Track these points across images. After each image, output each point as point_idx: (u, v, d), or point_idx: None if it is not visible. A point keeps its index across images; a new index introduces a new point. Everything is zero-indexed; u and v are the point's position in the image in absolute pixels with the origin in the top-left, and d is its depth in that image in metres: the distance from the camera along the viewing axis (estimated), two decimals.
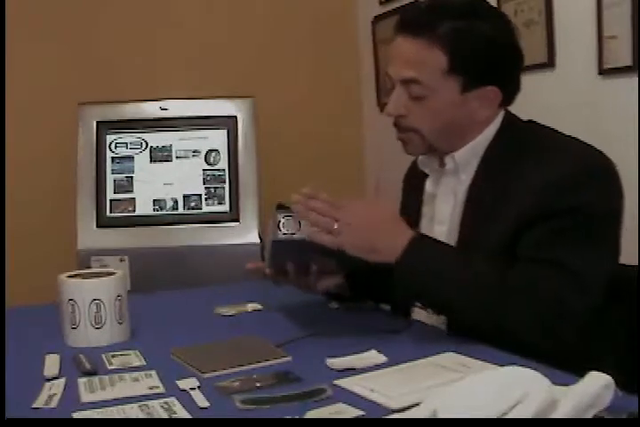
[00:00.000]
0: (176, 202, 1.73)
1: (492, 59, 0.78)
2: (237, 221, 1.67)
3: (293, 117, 2.11)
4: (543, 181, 0.74)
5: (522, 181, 0.76)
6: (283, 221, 0.74)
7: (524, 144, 0.80)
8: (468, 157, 0.83)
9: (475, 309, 0.71)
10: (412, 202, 0.94)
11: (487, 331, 0.71)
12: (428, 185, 0.90)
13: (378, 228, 0.74)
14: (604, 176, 0.75)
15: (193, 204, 1.73)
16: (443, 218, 0.87)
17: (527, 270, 0.72)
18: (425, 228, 0.90)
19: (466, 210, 0.82)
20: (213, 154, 1.75)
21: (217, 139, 1.75)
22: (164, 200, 1.73)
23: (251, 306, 0.96)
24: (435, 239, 0.79)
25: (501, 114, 0.84)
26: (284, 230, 0.73)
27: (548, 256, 0.72)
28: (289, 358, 0.71)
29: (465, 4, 0.77)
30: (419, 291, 0.74)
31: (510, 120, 0.84)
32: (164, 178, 1.74)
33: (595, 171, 0.75)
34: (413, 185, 0.95)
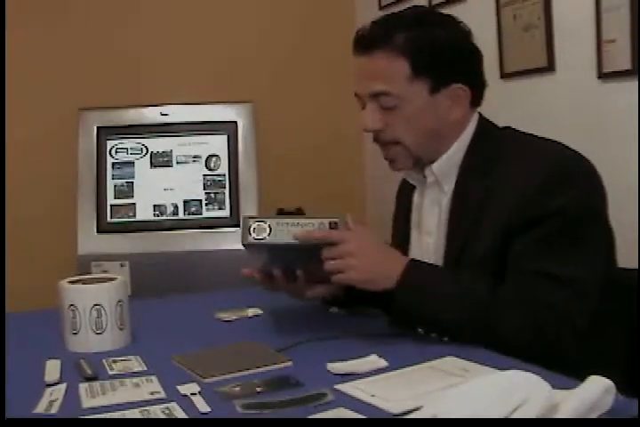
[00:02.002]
0: (176, 207, 1.74)
1: (452, 58, 0.79)
2: (238, 226, 1.67)
3: (294, 123, 2.11)
4: (523, 187, 0.75)
5: (502, 188, 0.77)
6: (254, 226, 0.75)
7: (500, 149, 0.81)
8: (446, 167, 0.84)
9: (472, 327, 0.72)
10: (402, 213, 0.95)
11: (488, 347, 0.71)
12: (416, 196, 0.92)
13: (377, 259, 0.75)
14: (583, 176, 0.76)
15: (193, 209, 1.73)
16: (430, 229, 0.87)
17: (518, 284, 0.73)
18: (415, 238, 0.91)
19: (451, 221, 0.83)
20: (214, 159, 1.76)
21: (217, 144, 1.76)
22: (165, 205, 1.73)
23: (251, 311, 0.96)
24: (427, 263, 0.79)
25: (475, 118, 0.85)
26: (254, 235, 0.74)
27: (536, 267, 0.73)
28: (290, 363, 0.71)
29: (415, 15, 0.81)
30: (417, 314, 0.75)
31: (484, 125, 0.85)
32: (165, 183, 1.75)
33: (573, 172, 0.76)
34: (404, 197, 0.96)
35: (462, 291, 0.74)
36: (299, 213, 1.81)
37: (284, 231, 0.74)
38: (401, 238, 0.95)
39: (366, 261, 0.75)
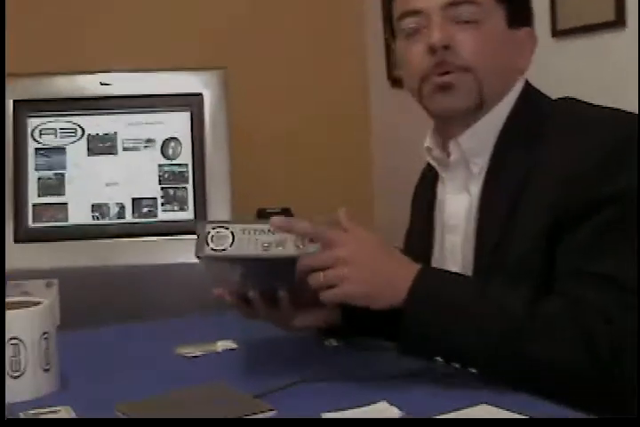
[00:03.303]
0: (122, 208, 1.73)
1: None
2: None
3: (279, 96, 2.12)
4: (575, 168, 0.78)
5: (548, 170, 0.81)
6: (212, 233, 0.76)
7: (549, 122, 0.85)
8: (476, 141, 0.87)
9: (504, 354, 0.74)
10: (421, 211, 0.98)
11: (524, 382, 0.73)
12: (440, 186, 0.95)
13: (379, 267, 0.77)
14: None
15: (145, 210, 1.73)
16: (454, 225, 0.90)
17: (565, 291, 0.76)
18: (438, 238, 0.94)
19: (482, 213, 0.86)
20: (172, 144, 1.76)
21: (177, 124, 1.75)
22: (107, 205, 1.72)
23: (222, 344, 0.97)
24: (444, 271, 0.82)
25: (520, 82, 0.90)
26: (212, 245, 0.76)
27: (590, 268, 0.76)
28: (272, 413, 0.71)
29: None
30: (434, 337, 0.76)
31: (530, 91, 0.90)
32: (107, 176, 1.73)
33: (631, 145, 0.79)
34: (424, 190, 0.99)
35: (492, 307, 0.75)
36: (284, 214, 1.85)
37: (252, 240, 0.76)
38: (418, 245, 0.97)
39: (365, 270, 0.76)
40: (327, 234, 0.77)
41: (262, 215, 1.85)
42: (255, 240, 0.76)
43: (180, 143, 1.76)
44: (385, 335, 0.89)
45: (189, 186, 1.74)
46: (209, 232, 0.76)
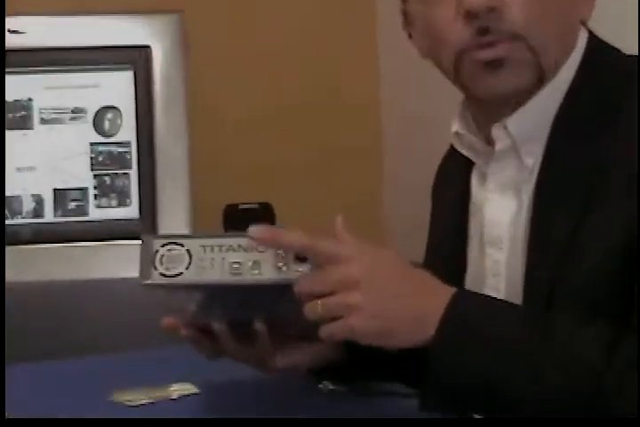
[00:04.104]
0: (40, 202, 1.71)
1: None
2: (153, 229, 1.68)
3: (255, 49, 2.08)
4: None
5: (631, 164, 0.80)
6: (162, 252, 0.77)
7: (628, 89, 0.85)
8: (531, 124, 0.88)
9: (573, 412, 0.74)
10: (447, 214, 1.01)
11: None
12: (475, 180, 0.96)
13: (400, 292, 0.78)
14: None
15: (72, 206, 1.72)
16: (497, 236, 0.92)
17: None
18: (474, 253, 0.95)
19: (537, 221, 0.87)
20: (109, 115, 1.75)
21: (115, 88, 1.74)
22: (18, 199, 1.71)
23: (178, 389, 0.97)
24: (487, 297, 0.84)
25: (584, 36, 0.91)
26: (161, 269, 0.77)
27: None
28: None
29: None
30: (473, 390, 0.77)
31: (598, 47, 0.91)
32: (18, 159, 1.70)
33: None
34: (449, 188, 1.02)
35: (557, 352, 0.75)
36: (263, 212, 1.84)
37: (217, 261, 0.77)
38: (446, 259, 0.99)
39: (381, 296, 0.76)
40: (329, 247, 0.77)
41: (232, 214, 1.85)
42: (221, 261, 0.77)
43: (121, 114, 1.74)
44: (403, 378, 0.90)
45: (133, 172, 1.73)
46: (157, 251, 0.77)
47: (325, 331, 0.77)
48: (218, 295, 0.82)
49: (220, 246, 0.78)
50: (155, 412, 0.93)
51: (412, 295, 0.77)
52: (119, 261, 1.64)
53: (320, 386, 0.95)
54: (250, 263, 0.77)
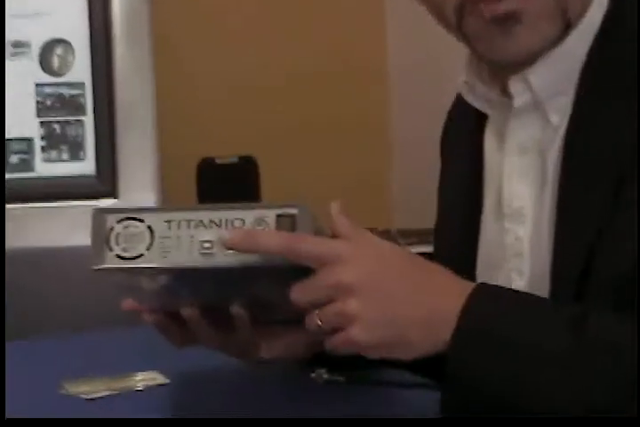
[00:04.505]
0: None
1: None
2: (113, 196, 1.66)
3: None
4: None
5: None
6: (118, 230, 0.77)
7: None
8: (556, 76, 0.88)
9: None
10: (456, 180, 1.02)
11: None
12: (488, 138, 0.98)
13: (407, 296, 0.77)
14: None
15: (15, 159, 1.71)
16: (518, 209, 0.92)
17: None
18: (489, 229, 0.96)
19: (567, 191, 0.87)
20: (59, 50, 1.72)
21: (66, 17, 1.72)
22: None
23: (143, 378, 0.98)
24: (506, 291, 0.81)
25: None
26: (117, 250, 0.76)
27: None
28: None
29: None
30: (503, 401, 0.77)
31: None
32: None
33: None
34: (458, 146, 1.03)
35: (599, 351, 0.74)
36: (245, 168, 1.89)
37: (184, 240, 0.77)
38: (456, 235, 1.00)
39: (381, 301, 0.76)
40: (315, 248, 0.76)
41: (208, 170, 1.88)
42: (189, 239, 0.77)
43: (72, 49, 1.72)
44: (409, 365, 0.87)
45: (87, 120, 1.71)
46: (112, 228, 0.76)
47: (328, 345, 0.77)
48: (186, 278, 0.81)
49: (189, 222, 0.77)
50: (117, 406, 0.92)
51: (420, 296, 0.77)
52: (71, 227, 1.62)
53: (313, 375, 0.94)
54: (223, 241, 0.76)
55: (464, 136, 1.02)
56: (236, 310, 0.83)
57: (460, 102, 1.03)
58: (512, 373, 0.75)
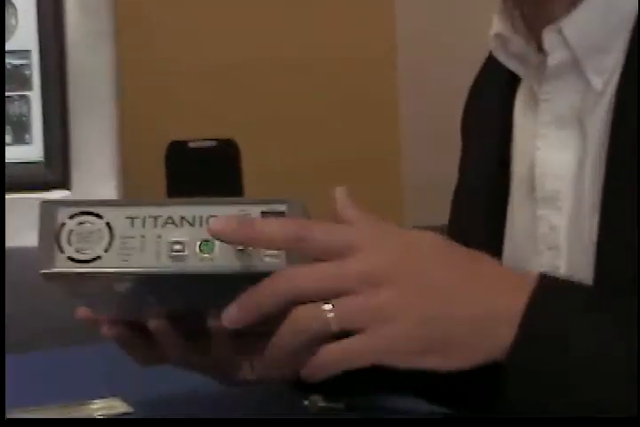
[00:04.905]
0: None
1: None
2: (64, 186, 1.71)
3: None
4: None
5: None
6: (71, 226, 0.77)
7: None
8: (598, 28, 0.89)
9: None
10: (480, 155, 1.04)
11: None
12: (521, 111, 0.99)
13: (451, 290, 0.75)
14: None
15: None
16: (553, 190, 0.94)
17: None
18: (521, 211, 0.97)
19: (612, 169, 0.87)
20: None
21: None
22: None
23: (102, 406, 0.97)
24: (576, 287, 0.80)
25: None
26: (69, 251, 0.76)
27: None
28: None
29: None
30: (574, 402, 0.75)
31: None
32: None
33: None
34: (484, 115, 1.05)
35: None
36: (224, 153, 1.94)
37: (149, 240, 0.77)
38: (477, 227, 1.02)
39: (425, 295, 0.74)
40: (332, 235, 0.75)
41: (179, 155, 1.93)
42: (156, 240, 0.77)
43: (15, 9, 1.77)
44: (423, 390, 0.91)
45: (34, 95, 1.75)
46: (63, 225, 0.77)
47: (336, 353, 0.73)
48: (153, 286, 0.81)
49: (156, 218, 0.78)
50: None
51: (471, 291, 0.75)
52: (14, 224, 1.64)
53: (306, 403, 0.94)
54: (198, 244, 0.76)
55: (491, 108, 1.03)
56: (213, 322, 0.83)
57: (487, 68, 1.04)
58: (585, 389, 0.74)
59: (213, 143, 1.91)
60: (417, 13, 2.63)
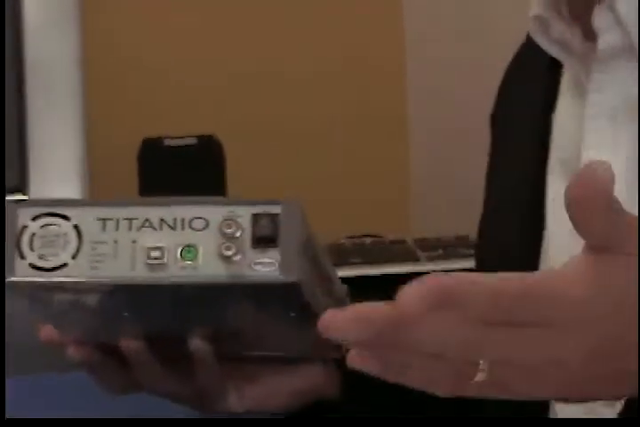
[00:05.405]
0: None
1: None
2: (21, 189, 1.62)
3: None
4: None
5: None
6: (34, 229, 0.76)
7: None
8: None
9: None
10: (515, 157, 1.05)
11: None
12: (564, 103, 0.99)
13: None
14: None
15: None
16: None
17: None
18: (564, 228, 0.92)
19: None
20: None
21: None
22: None
23: None
24: None
25: None
26: (31, 258, 0.75)
27: None
28: None
29: None
30: None
31: None
32: None
33: None
34: (520, 109, 1.06)
35: None
36: (205, 152, 1.95)
37: (123, 245, 0.76)
38: (514, 236, 1.02)
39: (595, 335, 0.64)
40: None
41: (154, 153, 1.93)
42: (130, 245, 0.75)
43: None
44: None
45: None
46: (25, 227, 0.76)
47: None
48: (127, 299, 0.80)
49: (130, 221, 0.75)
50: None
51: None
52: None
53: None
54: (179, 250, 0.74)
55: (530, 100, 1.01)
56: (197, 343, 0.82)
57: (524, 53, 1.03)
58: None
59: (193, 140, 1.89)
60: (426, 24, 2.65)
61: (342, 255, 1.86)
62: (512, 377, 0.61)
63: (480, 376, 0.59)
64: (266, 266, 0.73)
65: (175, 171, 2.03)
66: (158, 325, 0.86)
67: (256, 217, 0.74)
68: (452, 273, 0.58)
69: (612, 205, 0.59)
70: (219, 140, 1.91)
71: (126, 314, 0.84)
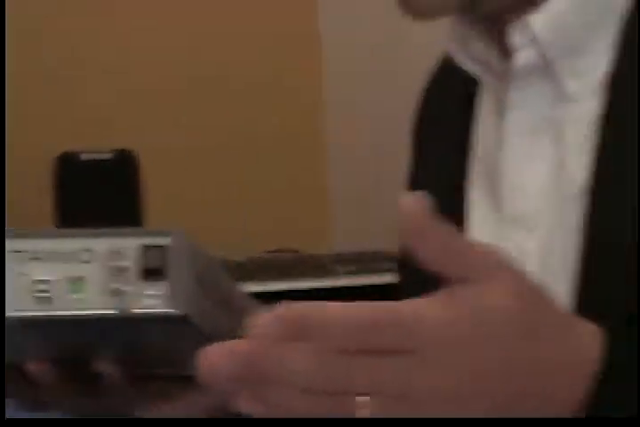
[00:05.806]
0: None
1: None
2: None
3: None
4: None
5: None
6: None
7: None
8: (574, 18, 0.89)
9: None
10: (436, 172, 1.04)
11: None
12: (485, 121, 0.99)
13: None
14: None
15: None
16: (524, 210, 0.92)
17: None
18: (488, 232, 0.95)
19: (596, 187, 0.86)
20: None
21: None
22: None
23: None
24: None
25: None
26: None
27: None
28: None
29: None
30: None
31: None
32: None
33: None
34: (440, 127, 1.05)
35: None
36: (121, 166, 1.96)
37: (9, 278, 0.75)
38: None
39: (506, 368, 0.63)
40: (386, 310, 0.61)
41: (70, 168, 1.93)
42: (16, 278, 0.75)
43: None
44: None
45: None
46: None
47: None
48: (18, 331, 0.78)
49: (18, 253, 0.75)
50: None
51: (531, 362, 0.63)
52: None
53: None
54: (66, 283, 0.75)
55: (448, 117, 1.02)
56: (101, 365, 0.83)
57: (442, 74, 1.04)
58: None
59: (109, 155, 1.89)
60: (343, 34, 2.67)
61: (258, 270, 1.89)
62: (412, 406, 0.60)
63: (363, 413, 0.58)
64: (153, 298, 0.74)
65: (91, 185, 2.04)
66: (59, 350, 0.85)
67: (145, 248, 0.75)
68: (306, 302, 0.57)
69: (442, 232, 0.58)
70: (135, 155, 1.92)
71: (21, 343, 0.83)
